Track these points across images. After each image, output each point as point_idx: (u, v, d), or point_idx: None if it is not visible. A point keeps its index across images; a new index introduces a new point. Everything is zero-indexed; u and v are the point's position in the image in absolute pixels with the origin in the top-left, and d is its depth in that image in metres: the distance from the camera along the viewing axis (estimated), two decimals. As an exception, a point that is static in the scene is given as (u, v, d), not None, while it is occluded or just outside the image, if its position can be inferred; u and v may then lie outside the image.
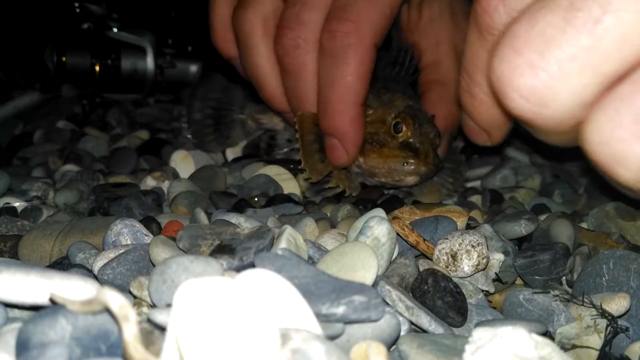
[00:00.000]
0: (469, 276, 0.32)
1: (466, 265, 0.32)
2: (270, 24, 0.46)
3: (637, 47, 0.25)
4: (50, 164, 0.57)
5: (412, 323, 0.27)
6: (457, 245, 0.32)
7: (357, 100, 0.43)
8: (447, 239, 0.33)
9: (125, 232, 0.34)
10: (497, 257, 0.34)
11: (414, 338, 0.24)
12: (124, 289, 0.28)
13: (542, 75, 0.26)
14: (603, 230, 0.37)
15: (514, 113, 0.28)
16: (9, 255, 0.36)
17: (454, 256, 0.32)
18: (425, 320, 0.26)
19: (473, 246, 0.32)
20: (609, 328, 0.27)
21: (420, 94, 0.52)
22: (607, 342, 0.27)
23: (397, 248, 0.33)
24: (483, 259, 0.32)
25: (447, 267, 0.32)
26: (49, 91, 0.77)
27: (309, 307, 0.22)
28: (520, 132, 0.38)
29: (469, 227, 0.38)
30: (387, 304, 0.27)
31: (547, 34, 0.26)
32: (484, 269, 0.33)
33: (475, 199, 0.48)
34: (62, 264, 0.33)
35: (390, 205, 0.42)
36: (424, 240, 0.33)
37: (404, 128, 0.45)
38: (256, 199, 0.46)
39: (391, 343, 0.25)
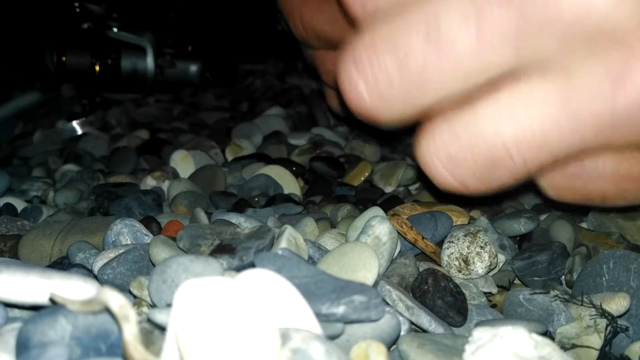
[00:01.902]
0: (481, 277, 0.32)
1: (480, 267, 0.32)
2: None
3: (450, 92, 0.28)
4: (50, 163, 0.58)
5: (412, 323, 0.27)
6: (467, 249, 0.32)
7: None
8: (452, 242, 0.33)
9: (125, 231, 0.34)
10: (500, 259, 0.34)
11: (414, 338, 0.24)
12: (124, 289, 0.28)
13: (374, 100, 0.29)
14: (603, 230, 0.37)
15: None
16: (9, 255, 0.37)
17: (465, 260, 0.32)
18: (425, 320, 0.26)
19: (482, 247, 0.32)
20: (609, 328, 0.27)
21: None
22: (607, 342, 0.27)
23: (398, 247, 0.33)
24: (494, 258, 0.32)
25: (459, 271, 0.32)
26: (49, 91, 0.77)
27: (309, 307, 0.22)
28: None
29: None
30: (387, 303, 0.27)
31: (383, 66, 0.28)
32: (495, 267, 0.33)
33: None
34: (62, 264, 0.33)
35: (390, 205, 0.42)
36: (423, 238, 0.33)
37: None
38: (256, 199, 0.46)
39: (391, 343, 0.25)
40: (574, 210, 0.40)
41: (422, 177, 0.34)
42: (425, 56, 0.27)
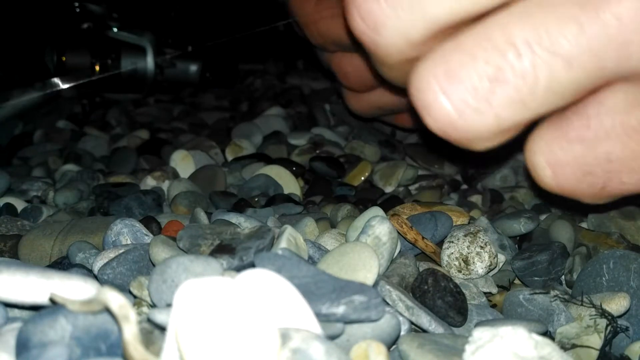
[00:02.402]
0: (481, 277, 0.32)
1: (480, 267, 0.32)
2: None
3: (470, 4, 0.26)
4: (50, 163, 0.58)
5: (412, 323, 0.27)
6: (467, 249, 0.32)
7: None
8: (452, 242, 0.33)
9: (125, 231, 0.34)
10: (500, 259, 0.34)
11: (414, 338, 0.24)
12: (124, 289, 0.28)
13: (382, 3, 0.27)
14: (603, 230, 0.37)
15: (353, 30, 0.29)
16: (9, 255, 0.37)
17: (465, 260, 0.32)
18: (425, 320, 0.26)
19: (482, 247, 0.32)
20: (609, 328, 0.27)
21: None
22: (607, 342, 0.27)
23: (398, 247, 0.33)
24: (494, 258, 0.32)
25: (460, 271, 0.32)
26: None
27: (309, 307, 0.22)
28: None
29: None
30: (387, 303, 0.27)
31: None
32: (495, 267, 0.33)
33: (475, 198, 0.48)
34: (62, 264, 0.33)
35: (390, 205, 0.42)
36: (423, 238, 0.33)
37: None
38: (256, 199, 0.46)
39: (391, 343, 0.25)
40: (573, 208, 0.40)
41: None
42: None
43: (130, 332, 0.20)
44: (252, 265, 0.27)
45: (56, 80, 0.64)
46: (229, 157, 0.57)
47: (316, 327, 0.21)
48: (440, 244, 0.34)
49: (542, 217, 0.41)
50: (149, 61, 0.74)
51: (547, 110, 0.27)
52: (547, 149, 0.28)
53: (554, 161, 0.28)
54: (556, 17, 0.25)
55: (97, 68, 0.73)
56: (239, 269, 0.27)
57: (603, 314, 0.27)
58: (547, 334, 0.28)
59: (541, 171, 0.29)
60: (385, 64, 0.31)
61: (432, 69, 0.27)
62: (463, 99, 0.26)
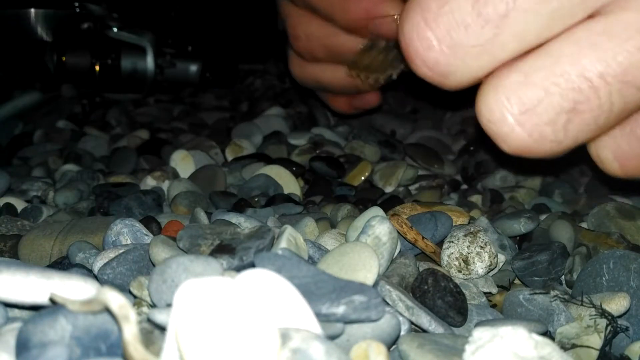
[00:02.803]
0: (481, 277, 0.32)
1: (480, 267, 0.32)
2: None
3: (531, 40, 0.27)
4: (50, 163, 0.58)
5: (412, 323, 0.27)
6: (467, 249, 0.32)
7: None
8: (452, 242, 0.33)
9: (125, 231, 0.34)
10: (500, 259, 0.34)
11: (414, 338, 0.24)
12: (124, 289, 0.28)
13: (447, 53, 0.28)
14: (603, 230, 0.37)
15: (418, 74, 0.30)
16: (9, 255, 0.37)
17: (465, 260, 0.32)
18: (425, 320, 0.26)
19: (482, 247, 0.32)
20: (609, 328, 0.27)
21: None
22: (607, 342, 0.27)
23: (398, 247, 0.33)
24: (494, 258, 0.32)
25: (460, 271, 0.32)
26: (49, 91, 0.77)
27: (309, 307, 0.22)
28: None
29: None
30: (387, 303, 0.27)
31: (456, 16, 0.27)
32: (495, 267, 0.33)
33: (475, 198, 0.48)
34: (62, 264, 0.33)
35: (390, 205, 0.42)
36: (423, 238, 0.34)
37: None
38: (256, 199, 0.46)
39: (391, 343, 0.25)
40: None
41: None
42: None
43: (130, 332, 0.20)
44: (252, 265, 0.27)
45: None
46: (229, 157, 0.57)
47: (316, 327, 0.21)
48: (440, 244, 0.34)
49: (542, 217, 0.41)
50: (149, 61, 0.74)
51: (620, 123, 0.29)
52: (615, 145, 0.30)
53: (622, 155, 0.30)
54: (624, 47, 0.26)
55: (97, 68, 0.73)
56: (239, 269, 0.27)
57: (603, 314, 0.27)
58: (547, 334, 0.28)
59: (609, 163, 0.31)
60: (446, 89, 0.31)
61: (505, 102, 0.27)
62: (541, 131, 0.27)
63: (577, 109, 0.27)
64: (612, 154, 0.30)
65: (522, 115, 0.27)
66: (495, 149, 0.30)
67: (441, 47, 0.27)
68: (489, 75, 0.29)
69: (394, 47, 0.47)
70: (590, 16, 0.26)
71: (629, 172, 0.31)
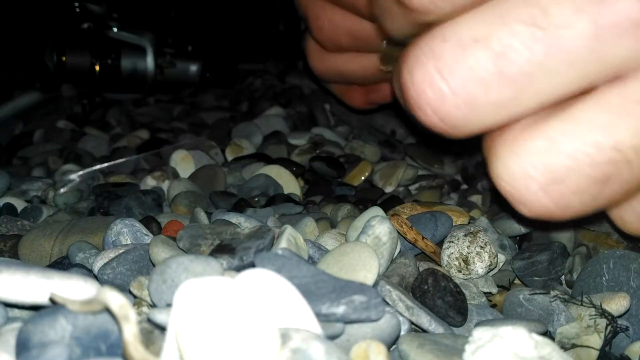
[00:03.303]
0: (481, 277, 0.32)
1: (480, 267, 0.32)
2: None
3: (554, 99, 0.25)
4: (50, 163, 0.58)
5: (412, 323, 0.27)
6: (467, 249, 0.32)
7: None
8: (452, 242, 0.33)
9: (125, 231, 0.34)
10: (500, 259, 0.34)
11: (414, 338, 0.24)
12: (124, 289, 0.28)
13: (463, 107, 0.26)
14: (603, 230, 0.37)
15: (423, 122, 0.28)
16: (9, 255, 0.36)
17: (465, 260, 0.32)
18: (425, 320, 0.26)
19: (482, 247, 0.32)
20: (608, 328, 0.27)
21: None
22: (607, 342, 0.27)
23: (398, 247, 0.33)
24: (494, 258, 0.32)
25: (460, 271, 0.32)
26: (49, 91, 0.77)
27: (309, 306, 0.22)
28: None
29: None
30: (387, 303, 0.27)
31: (475, 72, 0.25)
32: (495, 267, 0.33)
33: (476, 198, 0.48)
34: (62, 264, 0.33)
35: (390, 205, 0.42)
36: (423, 238, 0.33)
37: None
38: (256, 199, 0.46)
39: (391, 343, 0.25)
40: None
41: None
42: (531, 49, 0.23)
43: (130, 332, 0.20)
44: (252, 265, 0.27)
45: None
46: (229, 157, 0.57)
47: (316, 327, 0.21)
48: (440, 244, 0.34)
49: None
50: (149, 61, 0.74)
51: None
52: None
53: None
54: None
55: (97, 68, 0.73)
56: (239, 269, 0.27)
57: (603, 314, 0.27)
58: (547, 334, 0.28)
59: (630, 224, 0.29)
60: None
61: (529, 169, 0.25)
62: (568, 201, 0.26)
63: (607, 181, 0.25)
64: (636, 217, 0.29)
65: (549, 184, 0.25)
66: None
67: (457, 100, 0.25)
68: (501, 129, 0.27)
69: None
70: (618, 77, 0.24)
71: None
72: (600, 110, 0.24)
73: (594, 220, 0.35)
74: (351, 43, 0.49)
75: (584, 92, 0.25)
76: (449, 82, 0.25)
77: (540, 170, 0.25)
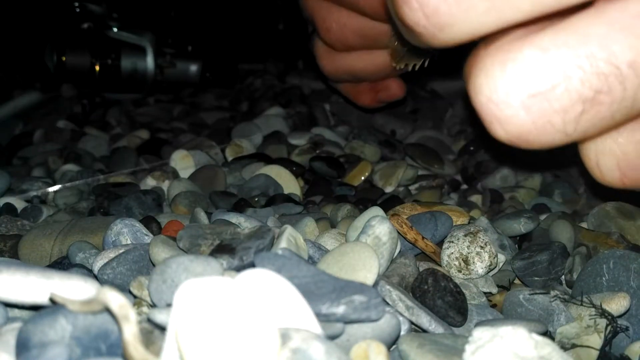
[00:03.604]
0: (481, 277, 0.32)
1: (480, 267, 0.32)
2: None
3: (550, 5, 0.24)
4: (50, 163, 0.58)
5: (412, 323, 0.27)
6: (467, 249, 0.32)
7: None
8: (452, 242, 0.33)
9: (125, 231, 0.34)
10: (500, 259, 0.34)
11: (414, 338, 0.24)
12: (124, 289, 0.28)
13: (451, 1, 0.24)
14: (603, 230, 0.37)
15: (406, 23, 0.26)
16: (9, 255, 0.37)
17: (465, 260, 0.32)
18: (425, 320, 0.26)
19: (482, 247, 0.32)
20: (608, 328, 0.27)
21: None
22: (607, 342, 0.27)
23: (398, 247, 0.33)
24: (494, 258, 0.32)
25: (460, 271, 0.32)
26: (49, 91, 0.77)
27: (309, 306, 0.22)
28: None
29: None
30: (387, 303, 0.27)
31: None
32: (495, 267, 0.33)
33: (476, 198, 0.48)
34: (62, 264, 0.33)
35: (390, 205, 0.42)
36: (423, 238, 0.34)
37: None
38: (256, 199, 0.46)
39: (391, 343, 0.25)
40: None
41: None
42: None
43: (130, 332, 0.20)
44: (252, 265, 0.27)
45: None
46: (229, 157, 0.57)
47: (316, 327, 0.21)
48: (440, 244, 0.34)
49: (542, 217, 0.41)
50: (149, 61, 0.74)
51: (632, 119, 0.25)
52: (621, 152, 0.27)
53: (626, 164, 0.27)
54: None
55: (97, 68, 0.74)
56: (239, 269, 0.27)
57: (603, 314, 0.27)
58: (547, 334, 0.28)
59: (608, 172, 0.27)
60: (428, 44, 0.27)
61: (513, 80, 0.24)
62: (549, 120, 0.24)
63: (596, 99, 0.23)
64: (615, 163, 0.27)
65: (531, 98, 0.23)
66: (495, 148, 0.28)
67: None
68: (490, 38, 0.25)
69: None
70: None
71: (629, 183, 0.28)
72: (598, 23, 0.23)
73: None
74: (360, 41, 0.49)
75: (584, 6, 0.24)
76: None
77: (525, 82, 0.23)
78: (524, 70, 0.23)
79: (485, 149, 0.55)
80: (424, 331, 0.27)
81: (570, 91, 0.23)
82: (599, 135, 0.27)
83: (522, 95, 0.23)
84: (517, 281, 0.34)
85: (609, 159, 0.27)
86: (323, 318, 0.23)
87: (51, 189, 0.49)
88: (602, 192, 0.42)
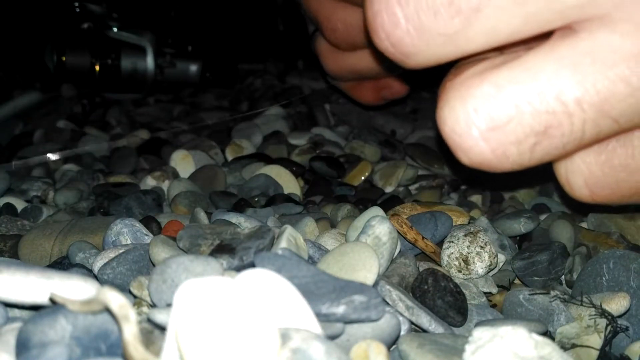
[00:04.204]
0: (481, 277, 0.32)
1: (480, 267, 0.32)
2: None
3: (502, 39, 0.25)
4: (50, 163, 0.58)
5: (412, 323, 0.27)
6: (467, 249, 0.32)
7: None
8: (452, 242, 0.33)
9: (125, 231, 0.34)
10: (500, 259, 0.34)
11: (414, 338, 0.24)
12: (124, 289, 0.28)
13: (412, 34, 0.26)
14: (603, 230, 0.37)
15: (378, 48, 0.28)
16: (9, 255, 0.37)
17: (465, 260, 0.32)
18: (425, 320, 0.26)
19: (482, 247, 0.32)
20: (609, 328, 0.27)
21: None
22: (607, 342, 0.27)
23: (398, 247, 0.33)
24: (494, 258, 0.32)
25: (460, 271, 0.32)
26: (49, 91, 0.77)
27: (309, 306, 0.22)
28: None
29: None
30: (387, 303, 0.27)
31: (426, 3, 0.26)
32: (495, 267, 0.33)
33: (476, 198, 0.48)
34: (62, 264, 0.33)
35: (390, 205, 0.42)
36: (423, 238, 0.34)
37: None
38: (256, 199, 0.46)
39: (391, 343, 0.25)
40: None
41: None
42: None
43: (130, 332, 0.20)
44: (252, 265, 0.27)
45: None
46: (229, 157, 0.57)
47: (316, 327, 0.21)
48: (440, 244, 0.34)
49: (542, 217, 0.41)
50: (149, 61, 0.74)
51: (591, 145, 0.27)
52: (588, 171, 0.28)
53: (594, 182, 0.29)
54: (606, 75, 0.24)
55: (97, 68, 0.74)
56: (239, 269, 0.27)
57: (603, 313, 0.28)
58: (547, 334, 0.28)
59: (578, 189, 0.29)
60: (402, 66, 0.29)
61: (472, 115, 0.26)
62: (505, 150, 0.26)
63: (547, 133, 0.25)
64: (582, 180, 0.29)
65: (489, 131, 0.25)
66: None
67: (408, 26, 0.26)
68: (458, 65, 0.27)
69: None
70: (569, 27, 0.25)
71: (598, 199, 0.29)
72: (548, 60, 0.25)
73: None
74: (368, 40, 0.49)
75: (537, 39, 0.26)
76: (403, 8, 0.26)
77: (482, 116, 0.25)
78: (481, 105, 0.25)
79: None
80: (424, 331, 0.27)
81: (523, 125, 0.25)
82: (557, 160, 0.29)
83: (480, 128, 0.25)
84: (517, 281, 0.34)
85: (578, 177, 0.29)
86: (323, 318, 0.23)
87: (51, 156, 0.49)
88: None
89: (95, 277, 0.30)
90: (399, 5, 0.26)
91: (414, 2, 0.25)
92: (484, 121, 0.25)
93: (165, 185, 0.49)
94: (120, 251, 0.30)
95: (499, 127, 0.25)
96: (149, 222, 0.38)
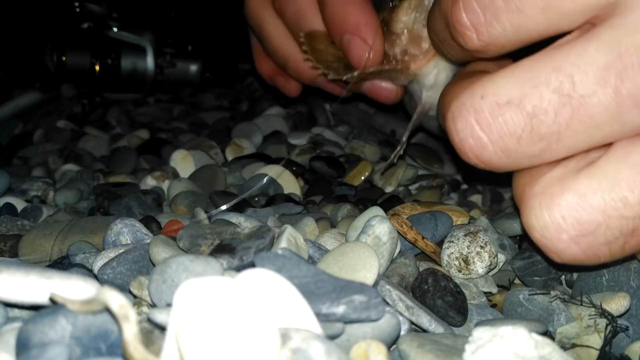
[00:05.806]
0: (481, 277, 0.32)
1: (480, 267, 0.32)
2: None
3: (581, 150, 0.28)
4: (50, 163, 0.58)
5: (412, 323, 0.27)
6: (466, 249, 0.32)
7: None
8: (452, 242, 0.33)
9: (125, 231, 0.34)
10: (500, 259, 0.34)
11: (414, 338, 0.24)
12: (124, 289, 0.28)
13: (500, 155, 0.28)
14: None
15: (468, 162, 0.30)
16: (9, 255, 0.36)
17: (465, 260, 0.32)
18: (425, 319, 0.26)
19: (482, 247, 0.32)
20: (609, 327, 0.27)
21: None
22: (607, 342, 0.27)
23: (398, 247, 0.33)
24: (494, 258, 0.32)
25: (459, 271, 0.32)
26: (49, 91, 0.77)
27: (309, 306, 0.22)
28: None
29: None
30: (387, 303, 0.27)
31: (510, 127, 0.28)
32: (495, 267, 0.33)
33: (476, 198, 0.48)
34: (62, 264, 0.33)
35: (390, 205, 0.42)
36: (423, 237, 0.34)
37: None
38: (256, 199, 0.46)
39: (391, 343, 0.25)
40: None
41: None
42: (558, 112, 0.26)
43: (130, 332, 0.20)
44: (252, 265, 0.27)
45: None
46: (229, 157, 0.57)
47: (316, 327, 0.21)
48: (440, 243, 0.34)
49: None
50: (149, 61, 0.74)
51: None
52: None
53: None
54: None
55: (97, 68, 0.74)
56: (239, 268, 0.27)
57: (603, 313, 0.28)
58: (547, 333, 0.28)
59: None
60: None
61: (561, 222, 0.27)
62: (597, 250, 0.27)
63: (635, 234, 0.26)
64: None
65: (578, 237, 0.27)
66: None
67: (494, 149, 0.28)
68: (531, 179, 0.29)
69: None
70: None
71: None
72: (625, 167, 0.26)
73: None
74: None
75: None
76: (487, 134, 0.28)
77: (571, 223, 0.27)
78: (568, 214, 0.27)
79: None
80: (424, 331, 0.27)
81: (612, 229, 0.26)
82: None
83: (570, 234, 0.27)
84: (517, 281, 0.34)
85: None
86: (323, 318, 0.23)
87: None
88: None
89: (95, 277, 0.30)
90: (484, 132, 0.28)
91: (497, 129, 0.28)
92: (572, 228, 0.27)
93: (165, 185, 0.49)
94: (120, 251, 0.30)
95: (589, 232, 0.26)
96: (149, 222, 0.38)
